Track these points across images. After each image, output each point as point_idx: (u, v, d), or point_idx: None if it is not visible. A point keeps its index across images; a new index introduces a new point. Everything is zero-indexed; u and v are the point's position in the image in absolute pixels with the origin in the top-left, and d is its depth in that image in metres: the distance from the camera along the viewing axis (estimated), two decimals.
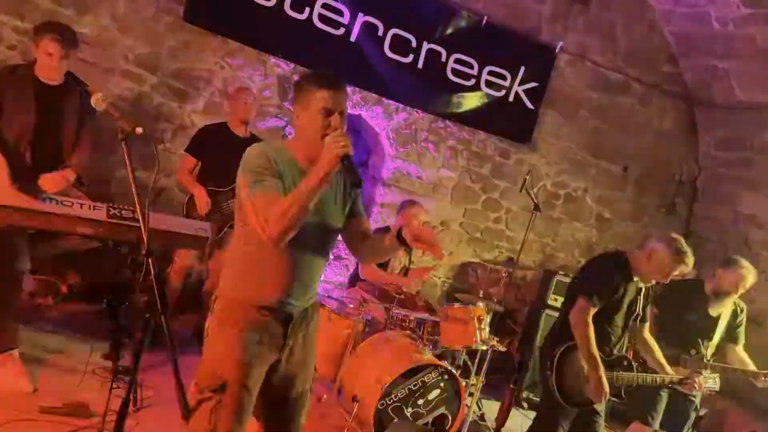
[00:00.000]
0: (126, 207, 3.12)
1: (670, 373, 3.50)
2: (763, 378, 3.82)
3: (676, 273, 3.22)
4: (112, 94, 4.47)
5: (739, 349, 4.00)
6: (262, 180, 2.03)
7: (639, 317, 3.47)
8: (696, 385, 3.52)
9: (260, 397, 2.24)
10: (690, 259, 3.18)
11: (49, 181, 3.28)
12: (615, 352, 3.40)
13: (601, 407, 3.35)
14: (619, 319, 3.37)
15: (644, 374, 3.44)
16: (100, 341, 3.48)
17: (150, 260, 1.69)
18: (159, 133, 4.70)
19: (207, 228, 3.31)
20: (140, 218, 1.69)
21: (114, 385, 3.29)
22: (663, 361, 3.51)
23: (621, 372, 3.37)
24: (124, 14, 4.47)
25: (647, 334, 3.57)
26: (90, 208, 2.99)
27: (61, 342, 3.78)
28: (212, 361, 2.15)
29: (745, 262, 3.85)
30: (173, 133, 4.73)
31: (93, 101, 1.91)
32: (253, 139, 4.43)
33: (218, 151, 4.21)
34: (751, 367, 3.97)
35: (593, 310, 3.20)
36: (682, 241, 3.24)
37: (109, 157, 4.29)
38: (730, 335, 3.97)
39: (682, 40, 5.87)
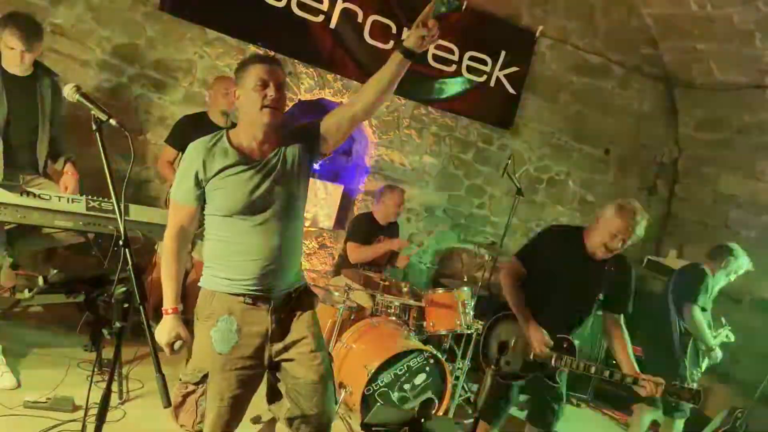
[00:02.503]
0: (106, 199, 3.11)
1: (633, 373, 2.94)
2: None
3: (623, 234, 2.89)
4: (89, 86, 4.41)
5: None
6: (179, 184, 2.16)
7: (602, 304, 3.07)
8: (648, 389, 2.88)
9: (273, 390, 2.28)
10: (638, 216, 2.91)
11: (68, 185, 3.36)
12: (565, 336, 3.06)
13: (560, 380, 3.07)
14: (562, 296, 3.01)
15: (584, 361, 3.00)
16: (84, 334, 3.45)
17: (127, 251, 1.67)
18: (138, 125, 4.65)
19: None
20: (116, 208, 1.67)
21: (98, 378, 3.32)
22: (630, 358, 3.00)
23: (561, 354, 3.00)
24: (100, 4, 4.39)
25: (614, 325, 3.09)
26: (68, 201, 2.98)
27: (44, 336, 3.76)
28: (195, 354, 2.17)
29: (741, 252, 4.07)
30: (153, 125, 4.68)
31: (65, 92, 1.89)
32: (234, 128, 4.41)
33: None
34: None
35: (519, 269, 3.11)
36: (632, 201, 3.01)
37: (93, 148, 4.24)
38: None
39: (661, 22, 5.90)
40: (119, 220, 1.70)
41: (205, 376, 2.13)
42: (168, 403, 1.66)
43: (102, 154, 1.77)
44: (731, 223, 5.82)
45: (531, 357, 3.02)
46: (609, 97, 6.19)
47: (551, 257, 3.06)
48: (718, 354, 4.02)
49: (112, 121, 1.83)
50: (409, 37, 2.01)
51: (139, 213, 3.18)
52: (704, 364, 4.09)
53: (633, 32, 6.06)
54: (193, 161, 2.13)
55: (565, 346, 3.06)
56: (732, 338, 4.18)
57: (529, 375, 3.10)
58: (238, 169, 2.09)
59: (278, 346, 2.19)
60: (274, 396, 2.32)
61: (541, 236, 3.28)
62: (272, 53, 4.88)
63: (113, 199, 1.74)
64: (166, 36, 4.60)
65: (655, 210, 6.40)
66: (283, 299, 2.21)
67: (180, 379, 2.17)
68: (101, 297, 2.40)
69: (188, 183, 2.12)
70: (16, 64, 3.28)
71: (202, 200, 2.15)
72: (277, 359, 2.22)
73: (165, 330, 2.10)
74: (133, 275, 1.68)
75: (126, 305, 1.69)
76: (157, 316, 4.28)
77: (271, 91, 2.06)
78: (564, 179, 6.25)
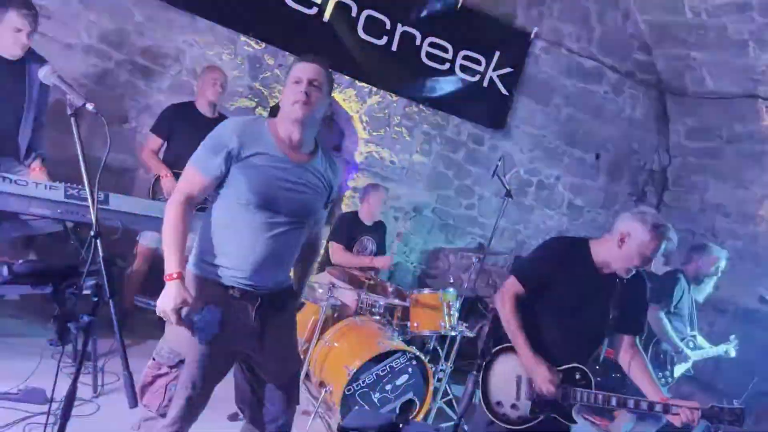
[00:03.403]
0: (85, 187, 3.03)
1: (659, 395, 2.63)
2: None
3: (658, 253, 2.62)
4: (74, 71, 4.32)
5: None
6: (205, 155, 2.10)
7: (618, 325, 2.70)
8: (683, 417, 2.50)
9: (238, 388, 2.30)
10: (671, 232, 2.68)
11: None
12: (575, 363, 2.67)
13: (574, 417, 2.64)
14: (571, 319, 2.65)
15: (602, 393, 2.61)
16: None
17: (98, 242, 1.60)
18: (124, 112, 4.56)
19: None
20: (89, 197, 1.60)
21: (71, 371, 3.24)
22: (653, 381, 2.70)
23: (573, 388, 2.61)
24: None
25: (630, 346, 2.77)
26: (46, 188, 2.89)
27: (19, 326, 3.68)
28: (173, 337, 2.12)
29: (715, 246, 4.10)
30: (139, 112, 4.59)
31: (41, 74, 1.81)
32: (221, 119, 4.32)
33: (184, 132, 4.11)
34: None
35: (519, 290, 2.67)
36: (656, 213, 2.68)
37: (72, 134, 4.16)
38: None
39: (656, 28, 5.88)
40: (91, 208, 1.63)
41: (182, 362, 2.09)
42: (134, 404, 1.59)
43: (77, 140, 1.69)
44: (718, 232, 5.83)
45: (536, 396, 2.62)
46: (601, 101, 6.17)
47: (557, 274, 2.65)
48: (689, 358, 3.95)
49: (89, 106, 1.76)
50: None
51: (119, 202, 3.09)
52: (678, 370, 4.01)
53: (627, 38, 6.05)
54: (229, 136, 2.08)
55: (578, 377, 2.64)
56: (732, 354, 4.15)
57: (540, 416, 2.64)
58: (273, 161, 2.08)
59: (255, 343, 2.18)
60: (241, 394, 2.33)
61: (545, 250, 2.82)
62: (263, 44, 4.82)
63: (86, 187, 1.67)
64: (155, 22, 4.52)
65: None
66: (269, 297, 2.18)
67: (153, 358, 2.11)
68: (70, 290, 2.32)
69: (217, 156, 2.06)
70: (20, 45, 3.20)
71: (221, 178, 2.09)
72: (250, 355, 2.22)
73: (171, 296, 1.98)
74: (103, 268, 1.61)
75: (96, 299, 1.61)
76: (138, 306, 4.25)
77: (302, 87, 2.08)
78: (554, 183, 6.22)
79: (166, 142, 4.19)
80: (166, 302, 1.98)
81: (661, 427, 3.91)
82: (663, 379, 3.92)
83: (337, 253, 4.51)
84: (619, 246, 2.59)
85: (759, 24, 4.87)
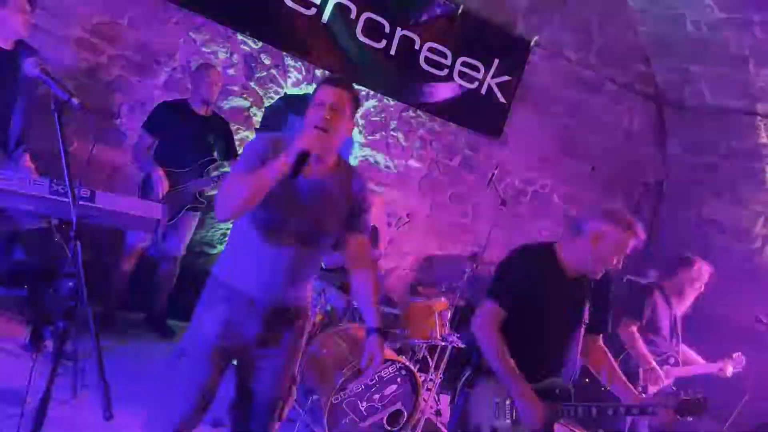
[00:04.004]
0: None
1: (633, 396, 2.66)
2: None
3: (630, 251, 2.57)
4: (65, 64, 4.24)
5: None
6: (240, 164, 2.13)
7: (586, 325, 2.66)
8: (662, 417, 2.53)
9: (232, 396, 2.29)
10: (641, 228, 2.58)
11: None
12: (554, 378, 2.61)
13: None
14: (553, 333, 2.60)
15: (581, 406, 2.56)
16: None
17: (78, 243, 1.53)
18: (115, 108, 4.47)
19: (158, 209, 3.14)
20: (70, 195, 1.52)
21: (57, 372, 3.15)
22: (627, 383, 2.70)
23: (558, 408, 2.53)
24: None
25: (596, 347, 2.78)
26: (30, 183, 2.80)
27: None
28: (185, 333, 2.22)
29: (699, 259, 4.00)
30: (130, 109, 4.50)
31: (26, 66, 1.74)
32: (215, 118, 4.27)
33: (177, 130, 4.05)
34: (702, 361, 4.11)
35: (500, 314, 2.53)
36: (623, 210, 2.67)
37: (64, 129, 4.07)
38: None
39: (656, 41, 5.86)
40: (72, 206, 1.55)
41: (181, 354, 2.17)
42: (109, 415, 1.52)
43: (59, 135, 1.62)
44: (712, 248, 5.79)
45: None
46: (599, 112, 6.13)
47: (529, 287, 2.55)
48: (660, 374, 3.76)
49: (74, 101, 1.68)
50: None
51: (106, 200, 3.00)
52: (653, 387, 3.81)
53: (627, 49, 6.01)
54: (264, 145, 2.14)
55: (557, 392, 2.57)
56: (728, 372, 4.05)
57: None
58: (288, 180, 2.06)
59: (255, 351, 2.21)
60: (229, 402, 2.33)
61: (514, 263, 2.67)
62: (259, 43, 4.75)
63: (67, 184, 1.59)
64: (151, 17, 4.44)
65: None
66: (278, 311, 2.21)
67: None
68: (47, 292, 2.24)
69: (254, 157, 2.10)
70: (29, 26, 3.19)
71: None
72: (246, 364, 2.25)
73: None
74: (82, 270, 1.53)
75: (72, 303, 1.53)
76: (123, 304, 4.17)
77: (322, 112, 2.07)
78: (549, 192, 6.17)
79: (157, 140, 4.11)
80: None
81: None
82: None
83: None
84: (593, 247, 2.52)
85: (759, 40, 4.85)
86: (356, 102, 2.20)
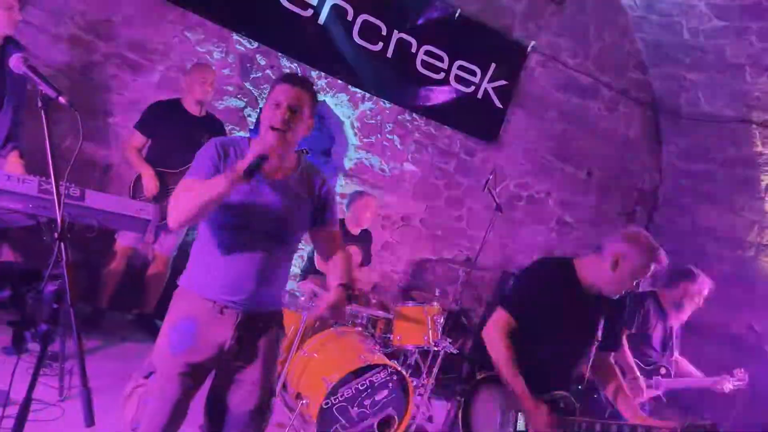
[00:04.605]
0: (60, 182, 2.90)
1: (637, 415, 2.64)
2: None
3: (649, 275, 2.57)
4: (58, 62, 4.20)
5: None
6: (192, 171, 2.08)
7: (599, 343, 2.66)
8: None
9: (206, 407, 2.22)
10: (663, 254, 2.57)
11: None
12: (560, 392, 2.61)
13: None
14: (564, 347, 2.60)
15: (585, 420, 2.55)
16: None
17: (62, 244, 1.49)
18: (109, 106, 4.43)
19: (149, 209, 3.11)
20: (55, 194, 1.49)
21: (41, 372, 3.10)
22: (633, 402, 2.72)
23: (559, 418, 2.53)
24: None
25: (607, 364, 2.78)
26: (19, 181, 2.77)
27: None
28: (155, 349, 2.12)
29: (702, 274, 3.90)
30: (124, 107, 4.46)
31: (11, 63, 1.70)
32: (209, 118, 4.24)
33: (170, 130, 4.01)
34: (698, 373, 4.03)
35: (511, 324, 2.53)
36: (646, 234, 2.63)
37: (55, 127, 4.03)
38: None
39: (653, 47, 5.86)
40: (57, 206, 1.52)
41: (152, 374, 2.13)
42: (90, 422, 1.48)
43: (45, 134, 1.59)
44: (707, 256, 5.78)
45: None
46: (595, 118, 6.12)
47: (544, 300, 2.55)
48: (642, 384, 3.67)
49: (62, 99, 1.65)
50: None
51: (96, 200, 2.97)
52: (640, 397, 3.71)
53: (624, 55, 6.01)
54: (216, 147, 2.09)
55: (562, 405, 2.57)
56: (726, 389, 3.98)
57: None
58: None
59: (230, 361, 2.13)
60: (208, 413, 2.25)
61: (532, 277, 2.69)
62: (255, 43, 4.72)
63: (52, 182, 1.56)
64: (145, 15, 4.41)
65: None
66: (251, 317, 2.13)
67: (137, 371, 2.16)
68: (30, 294, 2.19)
69: (209, 163, 2.06)
70: (14, 23, 3.16)
71: None
72: (223, 374, 2.17)
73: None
74: (66, 272, 1.49)
75: (56, 306, 1.50)
76: (113, 304, 4.13)
77: (279, 113, 2.03)
78: (544, 198, 6.16)
79: (150, 140, 4.07)
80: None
81: None
82: None
83: (321, 262, 4.38)
84: (613, 269, 2.52)
85: (757, 48, 4.84)
86: (315, 101, 2.15)
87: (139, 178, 3.97)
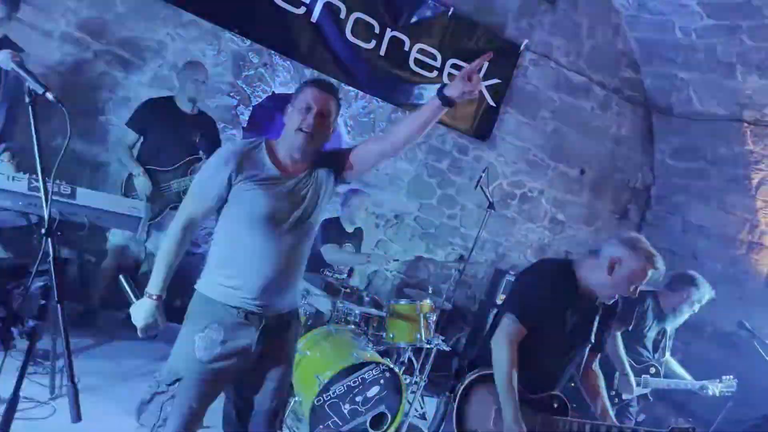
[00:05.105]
0: (50, 180, 2.90)
1: (612, 420, 2.72)
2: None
3: (645, 280, 2.59)
4: (50, 59, 4.18)
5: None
6: (206, 178, 2.13)
7: (591, 345, 2.70)
8: None
9: (225, 412, 2.25)
10: (660, 260, 2.59)
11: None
12: (554, 391, 2.65)
13: None
14: (561, 349, 2.63)
15: (577, 421, 2.61)
16: None
17: (50, 240, 1.49)
18: (100, 104, 4.42)
19: (141, 207, 3.11)
20: (42, 191, 1.49)
21: (32, 370, 3.09)
22: (607, 404, 2.77)
23: (548, 416, 2.57)
24: None
25: (594, 365, 2.83)
26: (9, 179, 2.76)
27: None
28: (174, 355, 2.13)
29: (705, 282, 3.88)
30: (115, 105, 4.45)
31: (0, 60, 1.70)
32: (201, 116, 4.23)
33: (162, 128, 4.00)
34: (686, 376, 4.06)
35: (523, 333, 2.51)
36: (644, 240, 2.62)
37: (44, 125, 4.02)
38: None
39: (645, 46, 5.88)
40: (44, 203, 1.51)
41: (178, 380, 2.10)
42: (77, 418, 1.49)
43: (33, 130, 1.59)
44: (698, 254, 5.81)
45: None
46: (588, 117, 6.14)
47: (547, 304, 2.55)
48: (632, 382, 3.69)
49: (49, 95, 1.65)
50: (451, 87, 1.98)
51: (87, 197, 2.97)
52: (629, 393, 3.75)
53: (616, 54, 6.03)
54: (228, 160, 2.09)
55: (556, 406, 2.59)
56: (711, 392, 3.97)
57: None
58: (269, 181, 2.10)
59: (253, 365, 2.17)
60: (227, 418, 2.30)
61: (536, 280, 2.68)
62: (248, 41, 4.72)
63: (40, 180, 1.56)
64: (138, 13, 4.39)
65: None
66: (275, 320, 2.17)
67: (155, 377, 2.20)
68: (18, 290, 2.19)
69: (217, 180, 2.09)
70: None
71: (223, 201, 2.12)
72: (244, 377, 2.20)
73: (141, 314, 2.10)
74: (53, 268, 1.49)
75: (43, 302, 1.49)
76: (105, 303, 4.12)
77: (310, 118, 2.07)
78: (537, 196, 6.18)
79: (142, 137, 4.06)
80: (135, 318, 2.10)
81: None
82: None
83: (331, 252, 4.39)
84: (609, 273, 2.53)
85: (748, 47, 4.87)
86: (339, 107, 2.21)
87: (130, 176, 3.96)
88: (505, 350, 2.46)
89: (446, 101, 1.99)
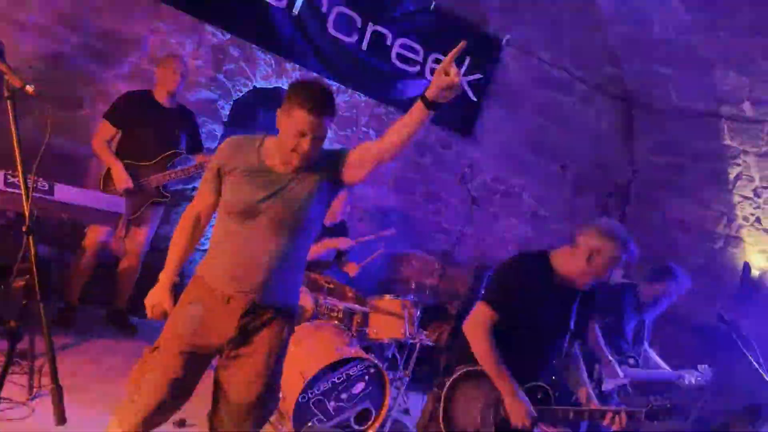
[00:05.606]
0: (28, 176, 2.83)
1: (594, 404, 2.77)
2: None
3: (620, 265, 2.69)
4: (25, 51, 4.09)
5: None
6: (205, 174, 2.25)
7: (571, 334, 2.78)
8: (617, 423, 2.63)
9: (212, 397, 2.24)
10: (634, 246, 2.67)
11: None
12: (537, 381, 2.69)
13: None
14: (541, 339, 2.68)
15: (561, 409, 2.66)
16: None
17: (30, 239, 1.45)
18: (78, 97, 4.34)
19: (120, 203, 3.06)
20: (22, 189, 1.45)
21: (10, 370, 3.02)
22: (589, 389, 2.85)
23: (542, 410, 2.61)
24: None
25: (576, 352, 2.91)
26: None
27: None
28: (165, 325, 2.21)
29: (686, 275, 3.93)
30: (93, 99, 4.37)
31: None
32: (181, 110, 4.17)
33: (140, 121, 3.93)
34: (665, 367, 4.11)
35: (493, 318, 2.57)
36: (618, 226, 2.71)
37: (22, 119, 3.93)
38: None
39: (626, 42, 5.92)
40: (24, 201, 1.47)
41: (156, 349, 2.16)
42: (61, 421, 1.45)
43: (12, 124, 1.54)
44: (678, 248, 5.89)
45: (502, 422, 2.54)
46: (569, 113, 6.17)
47: (524, 294, 2.62)
48: (617, 368, 3.65)
49: (29, 88, 1.60)
50: (431, 87, 1.95)
51: (65, 193, 2.91)
52: (609, 383, 3.69)
53: (597, 50, 6.07)
54: (221, 153, 2.21)
55: (540, 396, 2.64)
56: (686, 381, 4.06)
57: None
58: (256, 173, 2.13)
59: (232, 351, 2.16)
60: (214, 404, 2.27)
61: (512, 270, 2.74)
62: (228, 34, 4.65)
63: (19, 175, 1.51)
64: (115, 6, 4.31)
65: None
66: (259, 309, 2.14)
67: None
68: None
69: (209, 174, 2.22)
70: None
71: (219, 193, 2.21)
72: (225, 363, 2.19)
73: (150, 294, 2.27)
74: (34, 266, 1.45)
75: (24, 302, 1.45)
76: (84, 300, 4.05)
77: (305, 144, 2.05)
78: (519, 192, 6.20)
79: (120, 131, 3.99)
80: (146, 298, 2.27)
81: None
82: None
83: None
84: (588, 262, 2.58)
85: (726, 44, 4.92)
86: (335, 115, 2.16)
87: (109, 170, 3.89)
88: (477, 334, 2.55)
89: (429, 103, 1.98)
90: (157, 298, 2.25)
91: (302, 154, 2.06)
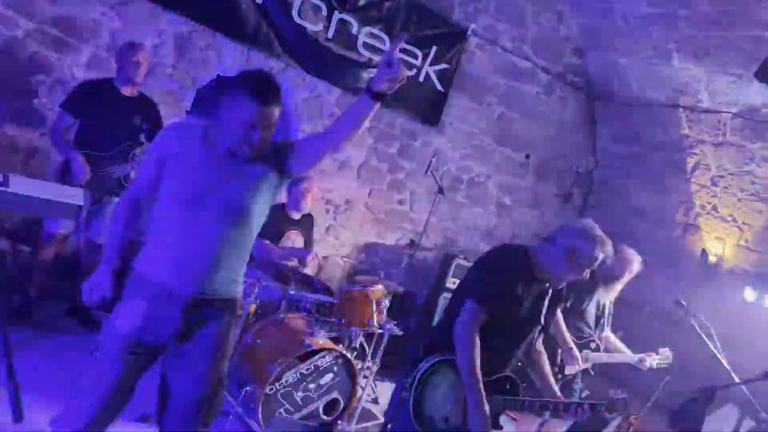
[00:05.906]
0: None
1: (557, 395, 2.83)
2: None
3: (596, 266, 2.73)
4: None
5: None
6: (147, 157, 2.25)
7: (542, 328, 2.81)
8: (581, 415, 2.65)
9: (158, 393, 2.20)
10: (610, 246, 2.73)
11: None
12: (506, 374, 2.73)
13: None
14: (514, 333, 2.72)
15: (529, 400, 2.72)
16: None
17: None
18: (33, 86, 4.19)
19: (80, 195, 2.95)
20: None
21: None
22: (551, 380, 2.90)
23: (500, 397, 2.66)
24: None
25: (539, 346, 2.94)
26: None
27: None
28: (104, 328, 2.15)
29: (629, 249, 4.02)
30: (50, 88, 4.23)
31: None
32: (142, 99, 4.06)
33: (100, 111, 3.83)
34: (625, 350, 4.21)
35: (483, 320, 2.58)
36: (596, 227, 2.74)
37: None
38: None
39: (588, 32, 6.00)
40: None
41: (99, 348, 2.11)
42: (19, 417, 1.41)
43: None
44: (638, 236, 6.02)
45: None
46: (533, 102, 6.24)
47: (506, 290, 2.62)
48: (576, 354, 3.77)
49: None
50: (375, 79, 1.91)
51: (21, 185, 2.79)
52: (570, 369, 3.83)
53: (560, 40, 6.14)
54: (162, 138, 2.18)
55: (509, 387, 2.70)
56: (648, 365, 4.09)
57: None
58: (195, 158, 2.07)
59: (175, 348, 2.12)
60: (157, 404, 2.22)
61: (495, 265, 2.75)
62: (190, 22, 4.55)
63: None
64: None
65: (567, 219, 6.54)
66: (201, 302, 2.10)
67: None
68: None
69: (151, 158, 2.16)
70: None
71: (159, 180, 2.13)
72: (170, 360, 2.15)
73: (89, 282, 2.19)
74: None
75: None
76: (43, 294, 3.94)
77: (255, 136, 2.01)
78: (484, 181, 6.26)
79: (78, 121, 3.87)
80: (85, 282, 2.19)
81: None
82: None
83: (261, 248, 4.29)
84: (567, 262, 2.64)
85: (685, 35, 5.03)
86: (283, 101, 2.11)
87: (67, 161, 3.78)
88: (469, 338, 2.53)
89: (373, 95, 1.93)
90: (95, 282, 2.16)
91: (253, 145, 2.02)
